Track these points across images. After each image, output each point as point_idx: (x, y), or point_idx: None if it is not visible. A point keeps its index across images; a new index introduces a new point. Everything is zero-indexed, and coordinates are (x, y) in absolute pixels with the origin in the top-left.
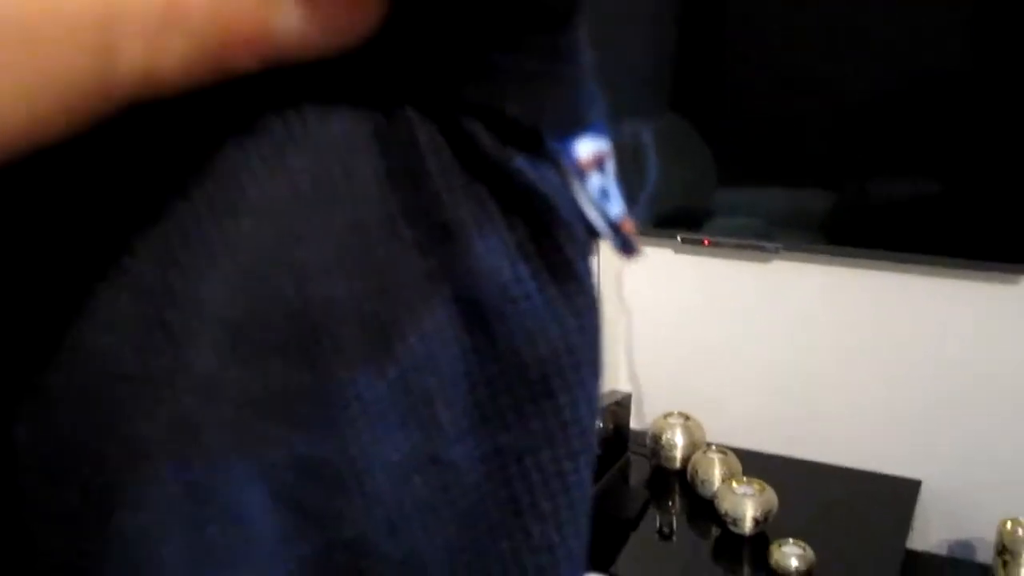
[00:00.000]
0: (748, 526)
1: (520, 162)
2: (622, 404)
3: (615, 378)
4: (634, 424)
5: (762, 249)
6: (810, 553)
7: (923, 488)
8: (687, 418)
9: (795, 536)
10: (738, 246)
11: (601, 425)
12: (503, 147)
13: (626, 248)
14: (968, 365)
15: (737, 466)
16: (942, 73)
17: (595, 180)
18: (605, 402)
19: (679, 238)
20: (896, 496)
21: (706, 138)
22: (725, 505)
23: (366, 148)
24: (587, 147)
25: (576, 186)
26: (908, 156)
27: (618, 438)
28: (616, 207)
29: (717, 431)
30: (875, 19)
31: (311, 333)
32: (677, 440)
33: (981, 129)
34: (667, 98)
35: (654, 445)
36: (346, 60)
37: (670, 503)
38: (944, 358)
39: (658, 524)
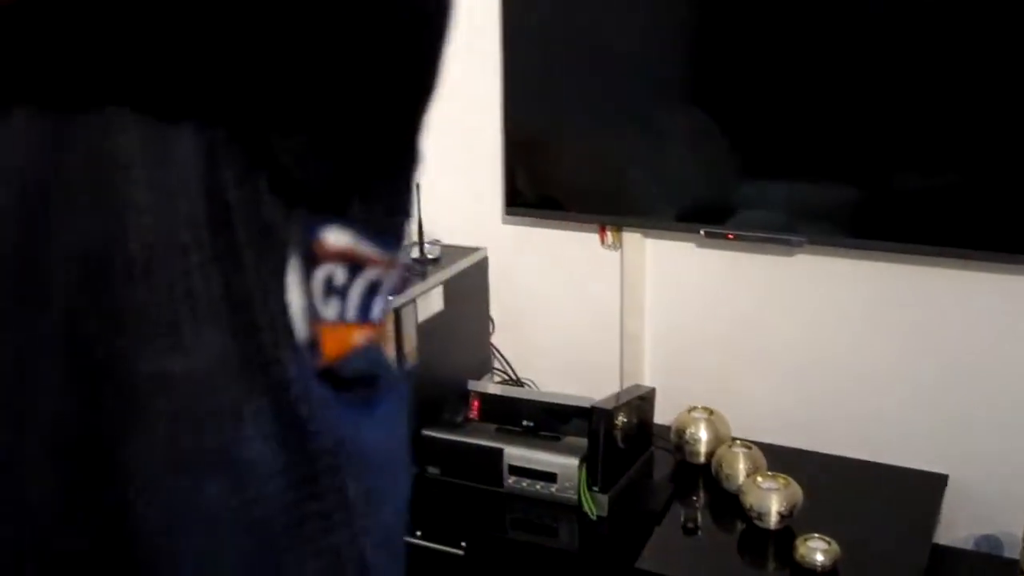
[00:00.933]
0: (773, 520)
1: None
2: (646, 399)
3: (639, 373)
4: (658, 419)
5: (787, 243)
6: (835, 547)
7: (950, 482)
8: (711, 412)
9: (820, 531)
10: (762, 240)
11: (626, 419)
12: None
13: (314, 351)
14: (995, 359)
15: (762, 460)
16: (967, 64)
17: (335, 274)
18: (629, 396)
19: (703, 232)
20: (923, 490)
21: (728, 132)
22: (750, 499)
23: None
24: (338, 237)
25: (293, 262)
26: (934, 148)
27: (642, 433)
28: (332, 312)
29: (741, 425)
30: (900, 9)
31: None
32: (701, 434)
33: (1008, 120)
34: (689, 92)
35: (678, 440)
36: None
37: (694, 497)
38: (971, 352)
39: (683, 518)
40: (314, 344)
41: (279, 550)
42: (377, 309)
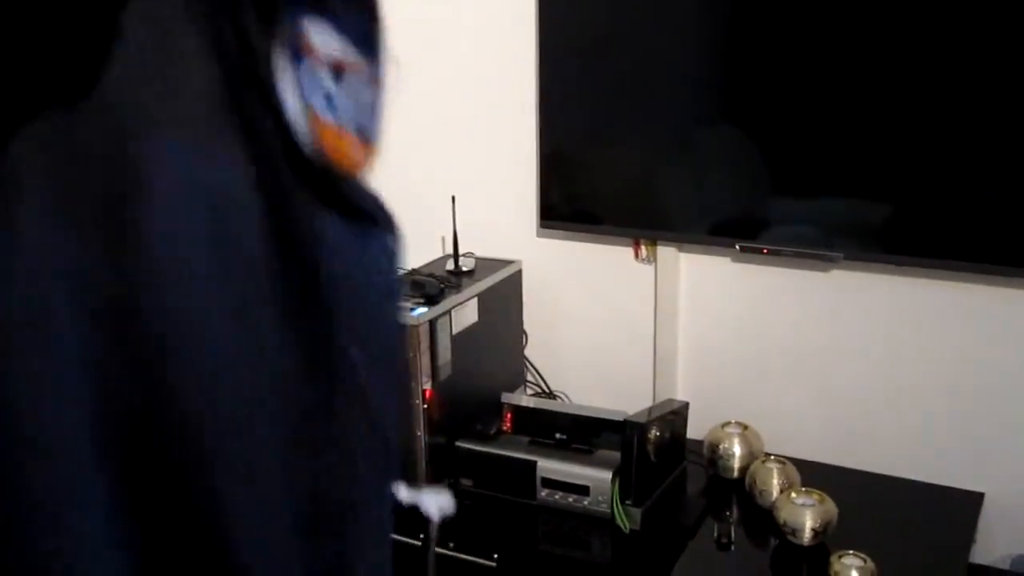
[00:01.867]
0: (807, 536)
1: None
2: (679, 413)
3: (672, 387)
4: (691, 433)
5: (823, 258)
6: (871, 565)
7: (986, 501)
8: (745, 428)
9: (855, 548)
10: (798, 255)
11: (659, 433)
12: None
13: (316, 152)
14: None
15: (796, 476)
16: (1006, 79)
17: (319, 74)
18: (663, 411)
19: (738, 247)
20: (959, 508)
21: (764, 147)
22: (784, 515)
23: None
24: (322, 38)
25: (279, 52)
26: (971, 163)
27: (675, 447)
28: (329, 114)
29: (775, 441)
30: (935, 22)
31: None
32: (735, 450)
33: None
34: (723, 106)
35: (711, 454)
36: None
37: (727, 512)
38: (1007, 369)
39: (716, 533)
40: (317, 145)
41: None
42: (372, 126)
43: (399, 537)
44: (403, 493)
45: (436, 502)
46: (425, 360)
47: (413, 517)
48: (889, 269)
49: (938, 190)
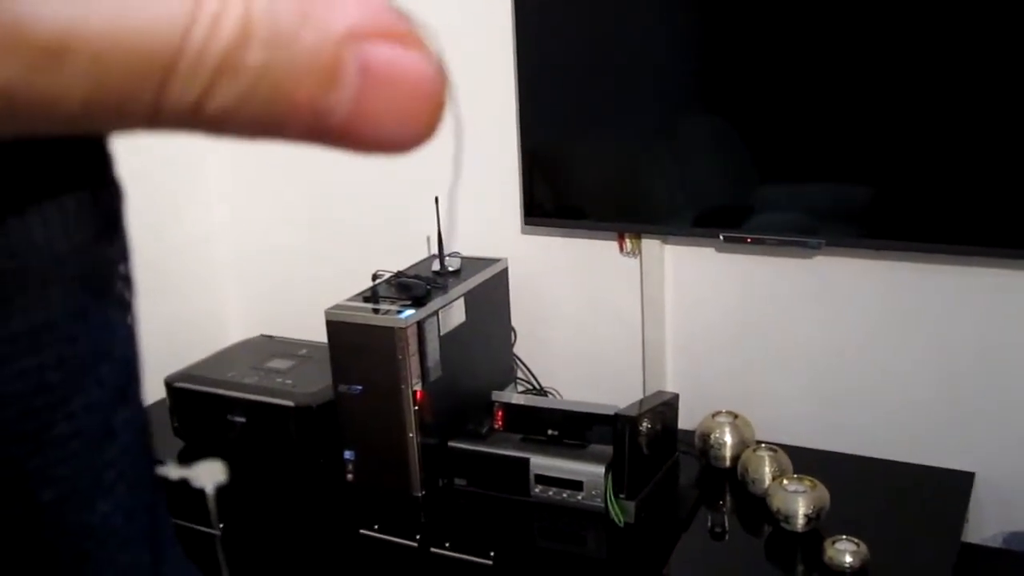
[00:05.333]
0: (800, 523)
1: None
2: (670, 404)
3: (661, 379)
4: (682, 424)
5: (805, 245)
6: (864, 549)
7: (977, 480)
8: (735, 417)
9: (848, 532)
10: (781, 243)
11: (650, 425)
12: None
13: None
14: (1018, 354)
15: (787, 463)
16: (986, 60)
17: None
18: (653, 403)
19: (721, 237)
20: (950, 489)
21: (744, 135)
22: (776, 503)
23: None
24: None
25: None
26: (952, 146)
27: (666, 438)
28: None
29: (766, 429)
30: (915, 7)
31: None
32: (726, 439)
33: None
34: (703, 97)
35: (703, 444)
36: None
37: (720, 502)
38: (993, 349)
39: (709, 524)
40: None
41: None
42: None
43: (391, 537)
44: (171, 470)
45: (209, 474)
46: (414, 362)
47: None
48: (873, 254)
49: (920, 174)
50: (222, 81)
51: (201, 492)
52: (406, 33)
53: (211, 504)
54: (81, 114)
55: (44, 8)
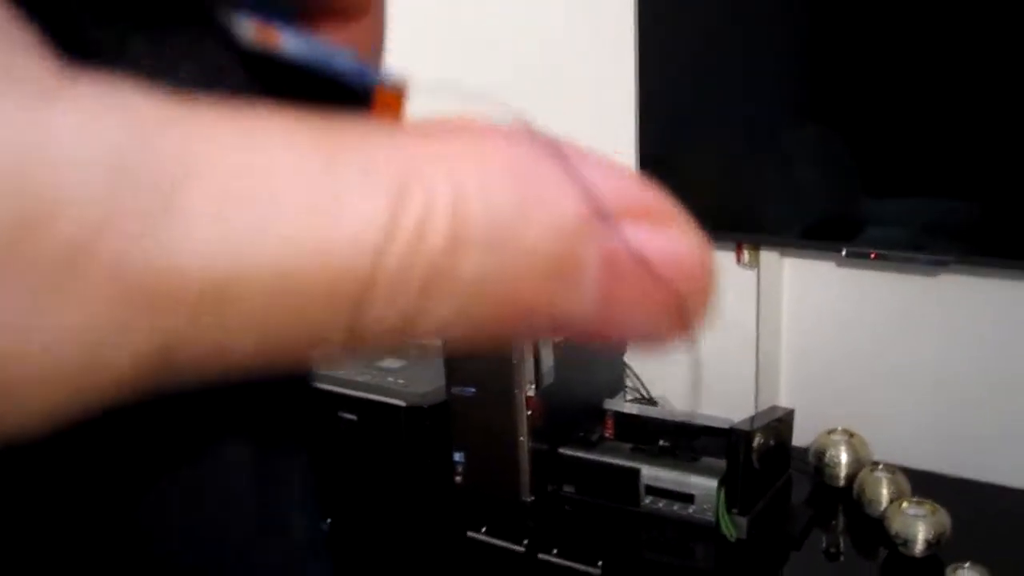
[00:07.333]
0: (919, 548)
1: None
2: (784, 420)
3: (775, 393)
4: (796, 441)
5: (932, 262)
6: None
7: None
8: (851, 435)
9: (970, 560)
10: (907, 260)
11: (764, 441)
12: None
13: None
14: None
15: (906, 486)
16: None
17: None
18: (768, 417)
19: (844, 251)
20: None
21: (866, 148)
22: (895, 526)
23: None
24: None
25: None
26: None
27: (780, 455)
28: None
29: (883, 449)
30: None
31: None
32: (841, 457)
33: None
34: (811, 108)
35: (817, 462)
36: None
37: (833, 522)
38: None
39: (823, 543)
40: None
41: None
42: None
43: (498, 541)
44: None
45: None
46: (529, 367)
47: (520, 523)
48: (1001, 273)
49: None
50: (432, 297)
51: None
52: (655, 207)
53: None
54: (256, 357)
55: (195, 249)
